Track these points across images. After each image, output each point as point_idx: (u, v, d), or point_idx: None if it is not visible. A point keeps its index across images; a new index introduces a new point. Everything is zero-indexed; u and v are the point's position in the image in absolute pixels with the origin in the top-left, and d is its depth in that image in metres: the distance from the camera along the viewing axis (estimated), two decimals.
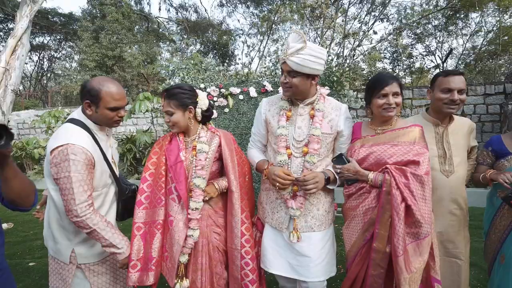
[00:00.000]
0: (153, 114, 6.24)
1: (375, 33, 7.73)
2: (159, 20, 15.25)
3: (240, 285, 1.55)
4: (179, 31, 15.73)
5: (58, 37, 15.97)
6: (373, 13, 10.04)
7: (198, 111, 1.58)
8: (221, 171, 1.68)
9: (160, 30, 15.17)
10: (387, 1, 10.04)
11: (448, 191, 1.60)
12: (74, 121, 1.39)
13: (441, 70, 13.65)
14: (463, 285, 1.65)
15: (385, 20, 9.91)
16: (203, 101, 1.59)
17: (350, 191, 1.55)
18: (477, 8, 11.66)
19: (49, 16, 14.17)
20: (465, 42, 13.41)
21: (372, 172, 1.46)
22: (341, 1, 11.41)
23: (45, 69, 17.65)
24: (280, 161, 1.52)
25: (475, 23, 12.92)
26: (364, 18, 9.52)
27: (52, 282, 1.47)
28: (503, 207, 1.62)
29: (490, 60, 12.85)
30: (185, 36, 14.27)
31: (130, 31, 11.95)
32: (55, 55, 17.08)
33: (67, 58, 17.39)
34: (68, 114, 7.34)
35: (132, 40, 11.90)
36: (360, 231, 1.48)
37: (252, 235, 1.60)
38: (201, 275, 1.55)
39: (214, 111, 4.63)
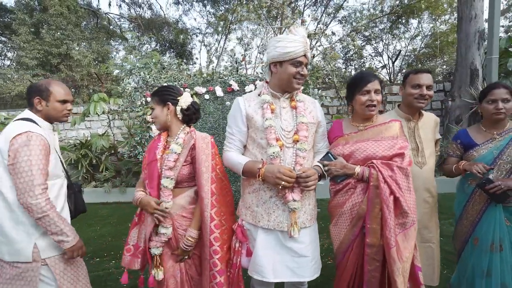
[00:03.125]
0: (110, 117, 5.81)
1: (333, 34, 8.18)
2: (109, 16, 14.27)
3: None
4: (132, 28, 14.88)
5: None
6: (330, 15, 10.59)
7: (178, 108, 1.61)
8: (194, 176, 1.63)
9: (111, 27, 14.20)
10: (341, 4, 10.63)
11: (422, 181, 1.73)
12: (24, 119, 1.47)
13: (388, 70, 14.95)
14: (436, 266, 1.80)
15: (344, 21, 10.53)
16: (184, 100, 1.63)
17: (336, 187, 1.57)
18: (415, 15, 12.99)
19: None
20: (407, 45, 14.76)
21: (359, 166, 1.51)
22: (296, 3, 11.79)
23: None
24: (273, 152, 1.47)
25: (414, 28, 14.32)
26: (320, 19, 10.00)
27: None
28: (474, 193, 1.76)
29: (429, 62, 14.30)
30: (139, 34, 13.56)
31: (77, 27, 10.99)
32: None
33: None
34: (5, 119, 6.50)
35: (80, 37, 10.96)
36: (348, 226, 1.51)
37: (223, 246, 1.56)
38: (179, 273, 1.62)
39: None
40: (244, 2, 12.77)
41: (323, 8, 12.23)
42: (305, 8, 12.48)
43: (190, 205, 1.60)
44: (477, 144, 1.77)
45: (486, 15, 5.54)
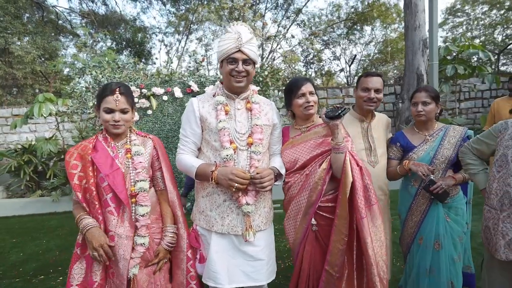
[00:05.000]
0: (59, 119, 5.33)
1: (293, 37, 8.44)
2: (57, 10, 13.14)
3: None
4: (84, 24, 13.87)
5: None
6: (289, 19, 10.88)
7: (136, 113, 1.49)
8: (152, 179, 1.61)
9: (60, 21, 13.09)
10: (301, 8, 10.98)
11: (375, 179, 1.79)
12: None
13: (346, 73, 15.78)
14: (389, 260, 1.89)
15: (302, 25, 10.86)
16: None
17: (289, 183, 1.64)
18: (369, 22, 13.91)
19: None
20: (362, 50, 15.72)
21: (343, 138, 1.54)
22: (257, 6, 11.94)
23: None
24: (227, 155, 1.44)
25: (367, 34, 15.31)
26: (280, 22, 10.24)
27: None
28: (418, 194, 1.82)
29: (381, 66, 15.35)
30: (92, 31, 12.68)
31: (17, 19, 9.91)
32: None
33: None
34: None
35: (22, 31, 9.90)
36: (301, 215, 1.58)
37: None
38: (154, 285, 1.49)
39: (136, 113, 4.26)
40: (205, 2, 12.64)
41: (283, 12, 12.52)
42: (266, 11, 12.69)
43: (157, 205, 1.57)
44: (415, 146, 1.85)
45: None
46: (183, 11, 14.06)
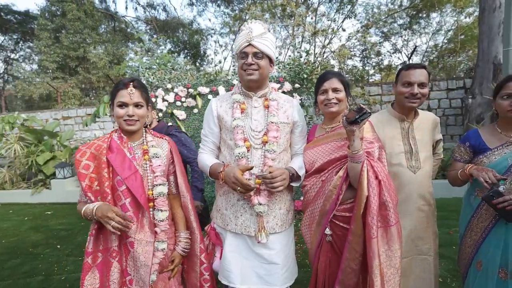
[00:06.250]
0: None
1: (343, 30, 7.90)
2: (126, 20, 14.66)
3: None
4: (148, 30, 15.22)
5: (15, 37, 14.88)
6: (342, 11, 10.36)
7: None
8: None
9: (128, 29, 14.58)
10: (354, 0, 10.35)
11: (416, 186, 1.56)
12: None
13: None
14: (434, 281, 1.63)
15: (353, 17, 10.25)
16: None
17: (306, 187, 1.54)
18: (437, 8, 12.36)
19: (2, 14, 13.16)
20: (428, 40, 14.10)
21: (361, 145, 1.38)
22: (310, 0, 11.58)
23: (1, 72, 16.37)
24: (239, 153, 1.42)
25: (435, 22, 13.65)
26: (333, 16, 9.79)
27: None
28: (481, 207, 1.50)
29: (450, 57, 13.58)
30: (155, 36, 13.84)
31: (94, 31, 11.36)
32: (12, 57, 15.88)
33: (26, 60, 16.23)
34: (25, 120, 6.78)
35: (97, 40, 11.33)
36: (315, 225, 1.48)
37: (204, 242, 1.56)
38: None
39: (183, 112, 4.47)
40: (258, 1, 12.73)
41: (338, 4, 11.91)
42: (319, 4, 12.21)
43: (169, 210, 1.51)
44: (489, 149, 1.50)
45: None
46: (236, 12, 14.42)
